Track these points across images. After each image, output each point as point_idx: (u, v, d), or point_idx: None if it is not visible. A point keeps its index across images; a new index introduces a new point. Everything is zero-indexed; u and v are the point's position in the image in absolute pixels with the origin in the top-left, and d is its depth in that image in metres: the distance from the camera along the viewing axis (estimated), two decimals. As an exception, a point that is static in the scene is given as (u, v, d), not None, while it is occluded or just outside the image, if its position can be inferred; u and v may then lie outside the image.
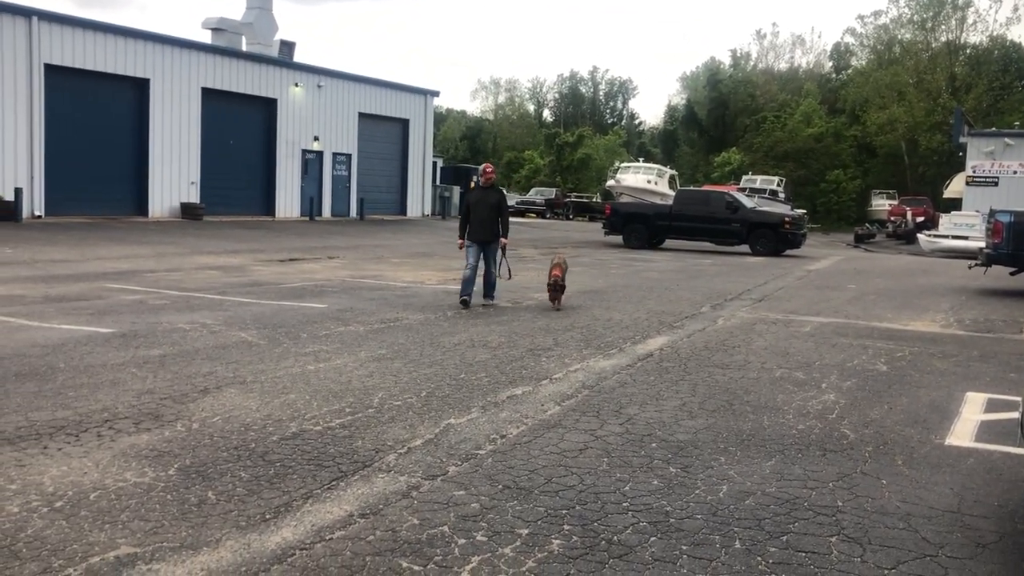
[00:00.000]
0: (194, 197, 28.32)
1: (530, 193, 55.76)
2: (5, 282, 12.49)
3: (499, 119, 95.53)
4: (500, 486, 4.66)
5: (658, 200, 35.53)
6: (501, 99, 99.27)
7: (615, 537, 4.02)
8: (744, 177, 50.37)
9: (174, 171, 27.90)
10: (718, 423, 6.11)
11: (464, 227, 12.08)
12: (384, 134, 36.52)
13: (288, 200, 32.05)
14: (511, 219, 13.13)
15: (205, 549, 3.73)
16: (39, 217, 23.95)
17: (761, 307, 13.04)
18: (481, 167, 12.44)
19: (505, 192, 13.02)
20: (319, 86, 33.10)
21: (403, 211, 37.87)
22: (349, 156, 34.66)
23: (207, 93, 28.93)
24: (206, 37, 31.93)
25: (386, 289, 13.57)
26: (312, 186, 32.96)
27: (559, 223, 45.42)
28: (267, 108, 31.38)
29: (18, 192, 23.04)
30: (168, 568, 3.53)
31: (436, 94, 39.18)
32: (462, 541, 3.92)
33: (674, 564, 3.76)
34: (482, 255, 12.00)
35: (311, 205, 32.06)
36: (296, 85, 32.18)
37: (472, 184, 12.63)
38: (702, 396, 6.94)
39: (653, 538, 4.03)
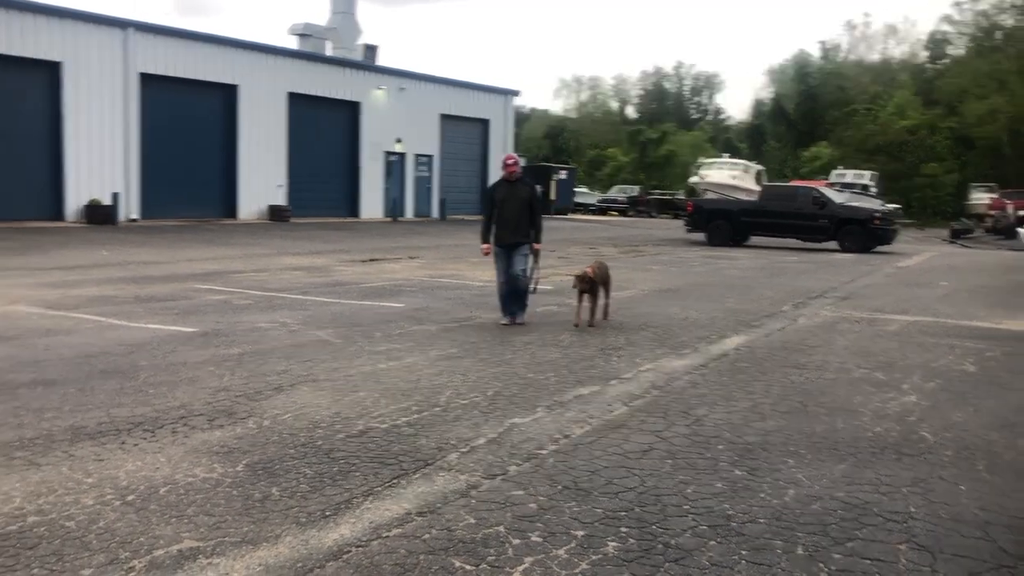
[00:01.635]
0: (281, 199, 29.08)
1: (612, 191, 55.45)
2: (100, 283, 13.04)
3: (582, 117, 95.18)
4: (559, 487, 4.63)
5: (744, 196, 34.90)
6: (584, 97, 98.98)
7: (673, 540, 3.95)
8: (833, 172, 48.92)
9: (262, 174, 28.71)
10: (789, 425, 5.95)
11: (487, 229, 10.17)
12: (465, 135, 36.83)
13: (372, 201, 32.63)
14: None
15: (264, 544, 3.81)
16: (135, 220, 24.96)
17: (845, 305, 12.66)
18: (503, 159, 10.44)
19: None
20: (401, 89, 33.58)
21: (484, 211, 38.10)
22: (431, 157, 35.07)
23: (293, 98, 29.67)
24: (292, 43, 32.75)
25: (462, 288, 13.67)
26: (395, 187, 33.48)
27: (641, 221, 45.01)
28: (351, 111, 32.00)
29: (115, 196, 24.09)
30: (227, 562, 3.62)
31: (516, 94, 39.34)
32: (516, 541, 3.91)
33: (732, 569, 3.67)
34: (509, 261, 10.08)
35: (394, 206, 32.56)
36: (379, 88, 32.71)
37: (537, 177, 10.95)
38: (775, 397, 6.76)
39: (712, 542, 3.94)
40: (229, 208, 28.05)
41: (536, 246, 10.12)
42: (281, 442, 5.30)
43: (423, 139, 34.72)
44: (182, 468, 4.77)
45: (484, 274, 15.93)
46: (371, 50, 35.39)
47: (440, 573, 3.58)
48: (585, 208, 49.98)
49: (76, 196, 24.00)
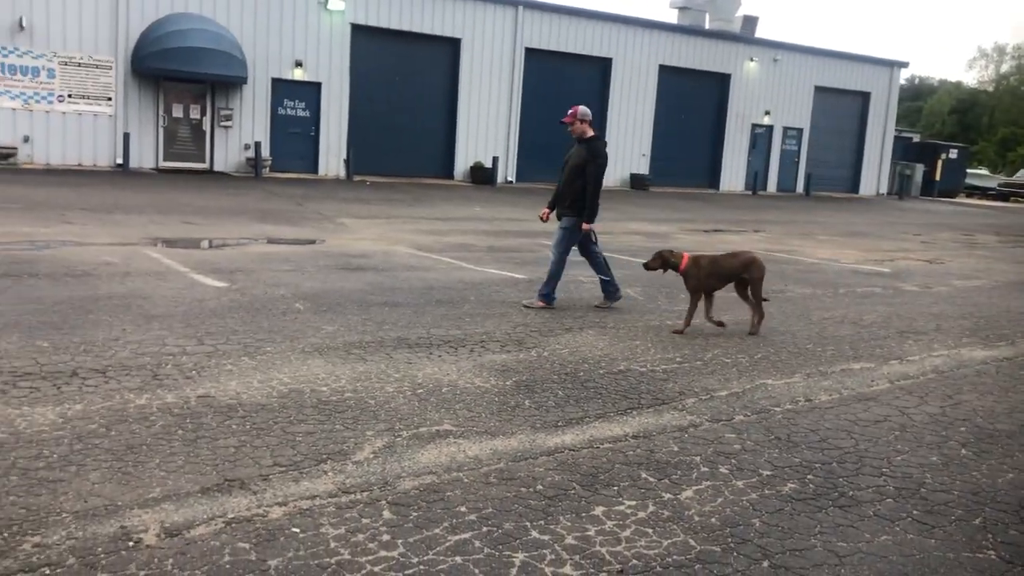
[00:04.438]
0: (643, 168, 30.27)
1: (1018, 174, 49.30)
2: (465, 233, 15.06)
3: (1000, 91, 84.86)
4: (772, 437, 5.03)
5: None
6: (1005, 67, 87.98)
7: (851, 492, 4.24)
8: None
9: (627, 143, 30.08)
10: (1059, 421, 5.65)
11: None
12: (841, 108, 35.19)
13: (733, 173, 32.65)
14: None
15: (501, 437, 4.76)
16: (510, 182, 27.66)
17: None
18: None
19: (597, 150, 8.51)
20: (775, 60, 32.98)
21: (855, 188, 36.26)
22: (800, 131, 34.09)
23: (664, 70, 30.58)
24: (672, 15, 33.56)
25: (789, 263, 13.70)
26: (759, 160, 33.13)
27: (1048, 210, 39.65)
28: (720, 83, 32.15)
29: (495, 160, 26.90)
30: (468, 443, 4.62)
31: (904, 65, 36.55)
32: (704, 469, 4.46)
33: (892, 523, 3.91)
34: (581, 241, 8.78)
35: (755, 179, 32.28)
36: (751, 60, 32.45)
37: None
38: (1065, 395, 6.35)
39: (889, 500, 4.17)
40: (595, 174, 29.82)
41: (585, 226, 8.54)
42: (550, 369, 6.25)
43: (794, 112, 33.85)
44: (466, 377, 5.91)
45: (823, 252, 15.70)
46: (750, 21, 35.03)
47: (625, 478, 4.27)
48: (982, 192, 45.15)
49: (464, 158, 27.22)
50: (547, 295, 8.67)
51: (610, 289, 8.88)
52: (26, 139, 21.31)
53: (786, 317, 8.96)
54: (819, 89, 34.34)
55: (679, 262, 7.92)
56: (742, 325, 8.17)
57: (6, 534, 3.33)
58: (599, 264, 8.86)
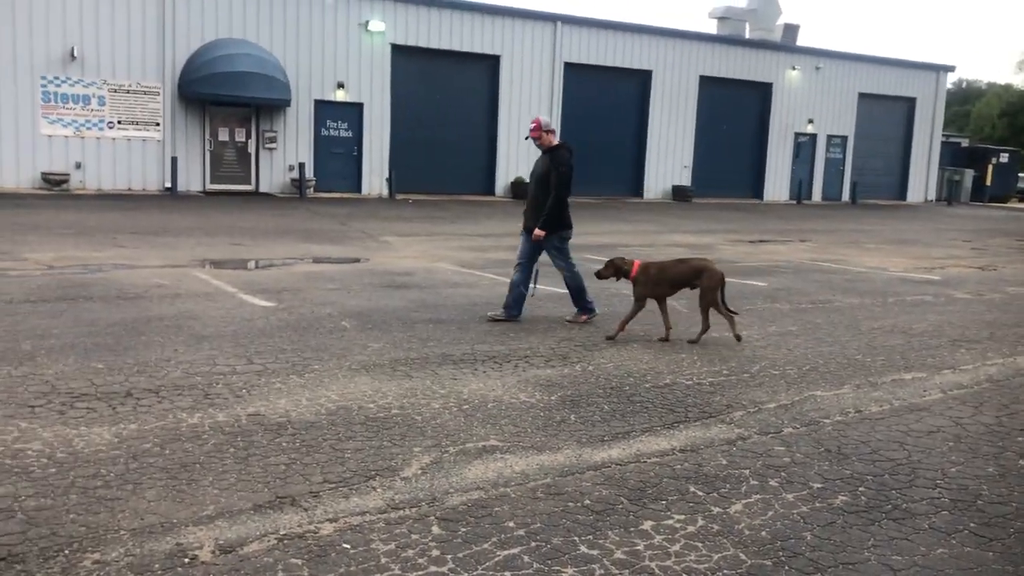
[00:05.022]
0: (685, 180, 30.15)
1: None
2: (508, 249, 15.07)
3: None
4: (822, 449, 4.97)
5: None
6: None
7: (904, 505, 4.17)
8: None
9: (668, 155, 30.01)
10: (1121, 430, 5.50)
11: None
12: (886, 114, 34.76)
13: (777, 183, 32.37)
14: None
15: (547, 452, 4.76)
16: (552, 196, 27.70)
17: None
18: None
19: (567, 156, 8.39)
20: (817, 68, 32.70)
21: (902, 195, 35.73)
22: (845, 138, 33.72)
23: (704, 80, 30.47)
24: (711, 26, 33.46)
25: (838, 273, 13.52)
26: (803, 169, 32.81)
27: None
28: (762, 92, 31.95)
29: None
30: (514, 459, 4.63)
31: (950, 69, 36.02)
32: (754, 483, 4.41)
33: (948, 535, 3.84)
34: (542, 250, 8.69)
35: (800, 188, 31.97)
36: (793, 68, 32.20)
37: None
38: None
39: (944, 512, 4.09)
40: (636, 187, 29.80)
41: (537, 232, 8.43)
42: (595, 383, 6.25)
43: (837, 119, 33.50)
44: (511, 392, 5.92)
45: (871, 260, 15.48)
46: (791, 30, 34.78)
47: (673, 492, 4.24)
48: (1036, 196, 44.28)
49: (505, 174, 27.36)
50: (586, 308, 8.65)
51: (516, 306, 8.56)
52: (78, 165, 21.89)
53: (834, 327, 8.84)
54: (863, 96, 33.96)
55: (630, 269, 7.97)
56: (777, 337, 8.08)
57: (67, 551, 3.41)
58: (529, 275, 8.62)
